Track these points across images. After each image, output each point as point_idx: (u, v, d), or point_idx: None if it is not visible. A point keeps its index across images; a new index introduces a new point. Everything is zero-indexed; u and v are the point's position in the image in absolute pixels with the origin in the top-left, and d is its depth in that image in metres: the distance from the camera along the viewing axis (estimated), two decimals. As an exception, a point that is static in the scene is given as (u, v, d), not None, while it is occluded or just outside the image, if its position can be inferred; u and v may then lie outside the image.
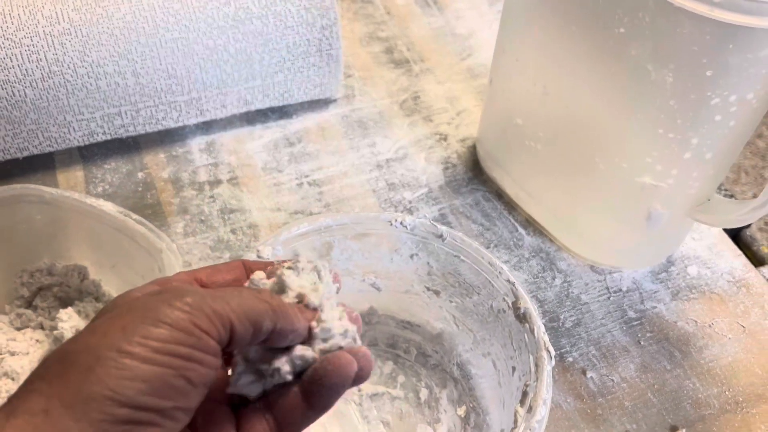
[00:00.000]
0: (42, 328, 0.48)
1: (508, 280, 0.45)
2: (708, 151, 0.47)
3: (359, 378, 0.30)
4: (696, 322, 0.55)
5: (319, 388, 0.29)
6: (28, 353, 0.46)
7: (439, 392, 0.49)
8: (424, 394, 0.49)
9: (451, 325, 0.51)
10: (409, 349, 0.52)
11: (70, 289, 0.49)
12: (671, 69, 0.42)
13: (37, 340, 0.47)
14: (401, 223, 0.47)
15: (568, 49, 0.48)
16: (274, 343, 0.30)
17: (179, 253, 0.55)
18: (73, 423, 0.24)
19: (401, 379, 0.50)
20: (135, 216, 0.46)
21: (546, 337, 0.42)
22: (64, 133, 0.59)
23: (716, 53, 0.40)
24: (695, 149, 0.46)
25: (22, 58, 0.54)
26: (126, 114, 0.60)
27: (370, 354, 0.31)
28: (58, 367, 0.25)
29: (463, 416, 0.48)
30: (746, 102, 0.43)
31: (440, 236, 0.47)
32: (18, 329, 0.48)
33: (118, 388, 0.24)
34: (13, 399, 0.25)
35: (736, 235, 0.64)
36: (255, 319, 0.28)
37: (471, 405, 0.48)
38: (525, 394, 0.41)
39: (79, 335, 0.26)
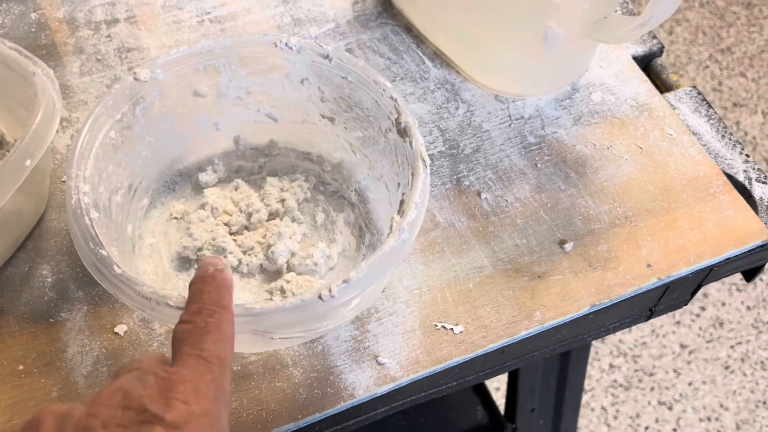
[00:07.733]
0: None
1: (391, 97, 0.45)
2: (597, -40, 0.46)
3: None
4: (595, 144, 0.55)
5: None
6: None
7: (336, 216, 0.50)
8: (320, 218, 0.50)
9: (349, 154, 0.51)
10: (308, 178, 0.52)
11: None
12: None
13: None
14: (286, 44, 0.46)
15: None
16: None
17: (61, 86, 0.53)
18: None
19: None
20: (9, 43, 0.45)
21: (423, 149, 0.42)
22: (-55, -30, 0.56)
23: None
24: (583, -43, 0.45)
25: None
26: (10, -51, 0.57)
27: None
28: None
29: (357, 236, 0.49)
30: None
31: (327, 56, 0.46)
32: None
33: None
34: None
35: (647, 65, 0.64)
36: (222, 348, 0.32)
37: (366, 225, 0.50)
38: (402, 202, 0.42)
39: None
